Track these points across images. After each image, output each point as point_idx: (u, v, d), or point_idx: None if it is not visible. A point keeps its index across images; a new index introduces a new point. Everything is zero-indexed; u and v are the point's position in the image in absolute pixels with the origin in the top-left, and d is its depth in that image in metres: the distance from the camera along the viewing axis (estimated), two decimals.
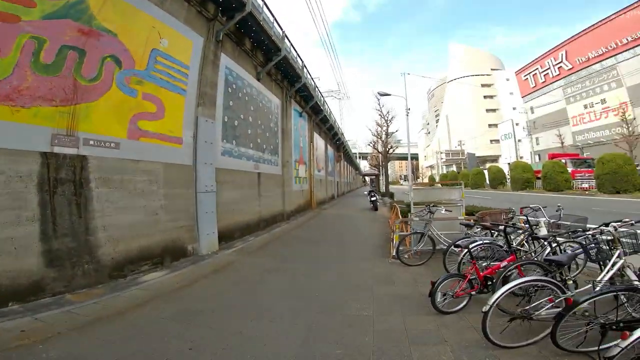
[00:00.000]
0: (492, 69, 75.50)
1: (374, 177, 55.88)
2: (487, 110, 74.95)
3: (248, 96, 10.62)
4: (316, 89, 19.76)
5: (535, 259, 4.55)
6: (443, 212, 6.33)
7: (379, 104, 26.09)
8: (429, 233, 6.07)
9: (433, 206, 6.23)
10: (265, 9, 10.49)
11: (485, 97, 75.64)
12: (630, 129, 30.53)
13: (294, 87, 15.21)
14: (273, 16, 11.19)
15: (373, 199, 17.39)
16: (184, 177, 6.88)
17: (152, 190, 6.08)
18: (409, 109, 12.82)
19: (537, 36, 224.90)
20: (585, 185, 23.70)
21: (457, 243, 5.01)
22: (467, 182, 43.91)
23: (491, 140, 72.12)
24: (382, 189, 33.75)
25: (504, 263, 4.06)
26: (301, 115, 17.65)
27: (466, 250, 4.15)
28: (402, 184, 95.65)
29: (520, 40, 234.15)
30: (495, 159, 69.32)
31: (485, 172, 40.93)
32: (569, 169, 24.95)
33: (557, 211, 4.85)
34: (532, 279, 3.14)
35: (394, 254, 6.29)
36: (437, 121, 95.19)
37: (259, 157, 10.79)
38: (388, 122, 25.69)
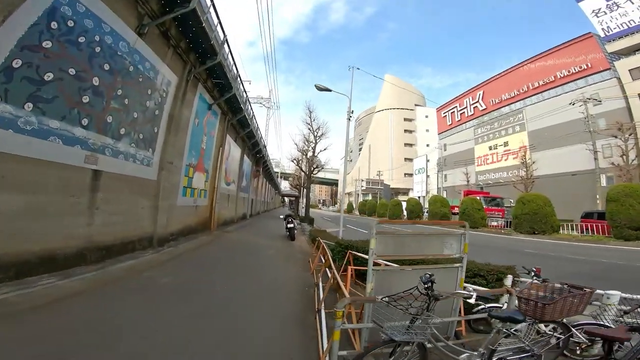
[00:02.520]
0: (415, 105, 79.94)
1: (293, 198, 52.37)
2: (405, 144, 78.65)
3: (104, 48, 6.27)
4: (238, 80, 15.72)
5: None
6: (473, 299, 2.79)
7: (309, 117, 23.07)
8: (426, 342, 2.52)
9: (431, 275, 2.67)
10: None
11: (405, 131, 79.40)
12: (528, 171, 32.74)
13: (203, 65, 11.01)
14: None
15: (290, 225, 13.67)
16: None
17: None
18: (352, 112, 9.73)
19: (456, 79, 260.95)
20: (494, 223, 23.75)
21: None
22: (385, 213, 43.50)
23: (405, 174, 75.32)
24: (301, 212, 30.43)
25: None
26: (210, 108, 13.38)
27: None
28: (321, 209, 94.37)
29: (442, 81, 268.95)
30: (406, 191, 72.32)
31: (403, 204, 40.74)
32: (484, 206, 24.91)
33: None
34: None
35: None
36: (360, 150, 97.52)
37: (102, 145, 6.26)
38: (317, 138, 22.74)
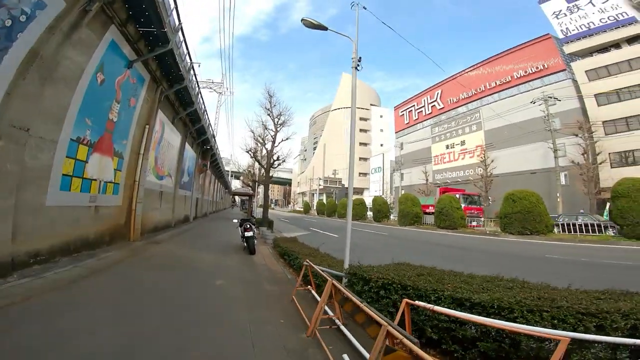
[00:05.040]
0: (371, 104, 79.50)
1: (246, 198, 46.50)
2: (361, 144, 77.48)
3: None
4: (180, 35, 11.13)
5: None
6: None
7: (269, 102, 18.83)
8: None
9: None
10: None
11: (361, 130, 78.36)
12: (487, 170, 32.12)
13: None
14: None
15: (248, 234, 9.48)
16: None
17: None
18: (359, 60, 6.01)
19: (406, 84, 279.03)
20: (474, 224, 21.84)
21: None
22: (345, 213, 40.39)
23: (360, 173, 74.02)
24: (255, 213, 26.11)
25: None
26: (131, 66, 8.87)
27: None
28: (273, 209, 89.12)
29: (394, 85, 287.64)
30: (360, 191, 70.89)
31: (367, 202, 38.21)
32: (462, 205, 22.81)
33: None
34: None
35: None
36: (314, 148, 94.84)
37: None
38: (277, 126, 18.67)
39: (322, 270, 4.41)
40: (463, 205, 22.82)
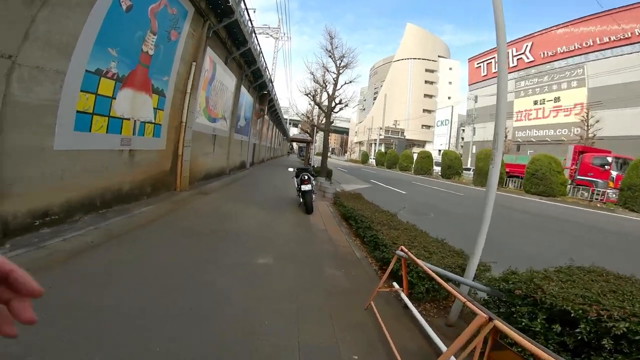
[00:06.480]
0: (439, 56, 72.08)
1: (304, 145, 44.25)
2: (425, 96, 71.16)
3: None
4: None
5: None
6: None
7: (331, 43, 16.37)
8: None
9: None
10: None
11: (426, 82, 71.58)
12: (589, 131, 26.66)
13: None
14: None
15: (306, 188, 7.78)
16: None
17: None
18: None
19: (479, 38, 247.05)
20: (615, 197, 15.99)
21: None
22: (408, 166, 37.49)
23: (422, 125, 68.70)
24: (312, 161, 24.80)
25: None
26: None
27: None
28: (330, 157, 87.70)
29: (463, 39, 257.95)
30: (422, 144, 66.10)
31: (435, 155, 35.02)
32: (614, 173, 16.94)
33: None
34: None
35: None
36: (374, 99, 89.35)
37: None
38: (339, 69, 16.32)
39: (451, 286, 2.54)
40: (615, 174, 16.89)
